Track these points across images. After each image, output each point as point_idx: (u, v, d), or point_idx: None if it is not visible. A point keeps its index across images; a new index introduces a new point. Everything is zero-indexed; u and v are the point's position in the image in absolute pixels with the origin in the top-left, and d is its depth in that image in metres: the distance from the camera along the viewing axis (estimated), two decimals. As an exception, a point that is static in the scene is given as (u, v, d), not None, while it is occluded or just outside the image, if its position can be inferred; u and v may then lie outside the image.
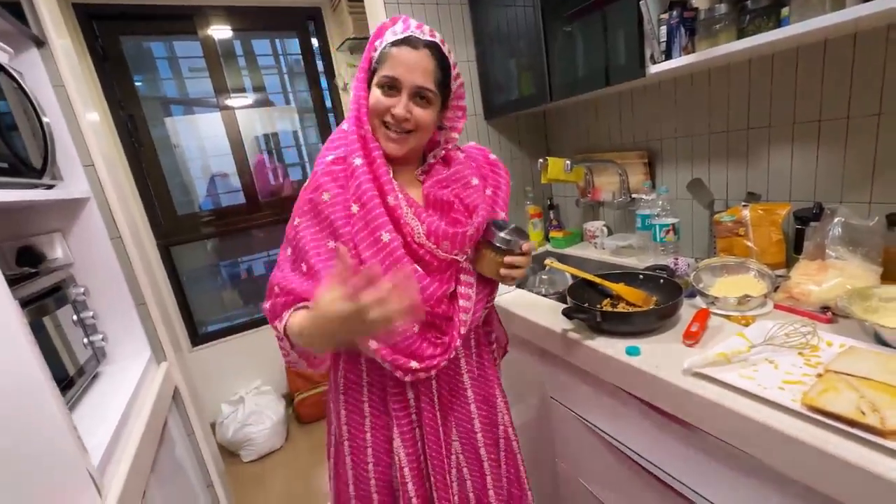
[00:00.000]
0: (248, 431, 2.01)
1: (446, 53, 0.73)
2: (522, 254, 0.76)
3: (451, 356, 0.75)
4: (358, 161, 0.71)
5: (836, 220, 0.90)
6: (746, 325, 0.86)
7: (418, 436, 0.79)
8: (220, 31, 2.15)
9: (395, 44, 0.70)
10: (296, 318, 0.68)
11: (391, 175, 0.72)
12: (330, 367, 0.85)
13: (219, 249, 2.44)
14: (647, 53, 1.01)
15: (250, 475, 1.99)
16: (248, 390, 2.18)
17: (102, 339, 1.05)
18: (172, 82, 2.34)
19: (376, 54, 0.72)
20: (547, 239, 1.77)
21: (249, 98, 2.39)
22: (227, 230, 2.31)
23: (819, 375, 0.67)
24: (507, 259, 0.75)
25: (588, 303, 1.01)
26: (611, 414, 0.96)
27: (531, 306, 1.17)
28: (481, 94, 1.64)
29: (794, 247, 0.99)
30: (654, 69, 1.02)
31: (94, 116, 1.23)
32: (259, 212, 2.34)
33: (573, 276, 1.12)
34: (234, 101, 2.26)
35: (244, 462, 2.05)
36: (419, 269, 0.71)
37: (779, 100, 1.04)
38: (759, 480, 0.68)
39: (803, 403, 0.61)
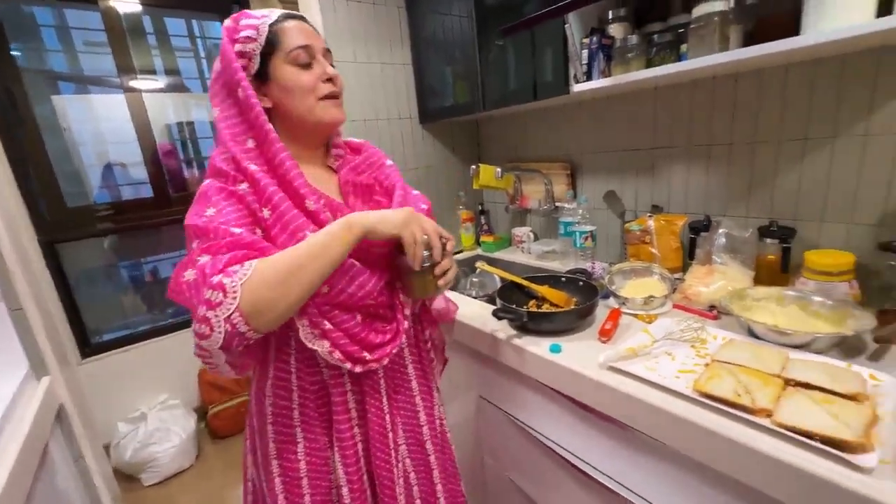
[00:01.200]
0: (152, 451, 1.80)
1: None
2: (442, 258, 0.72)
3: (402, 342, 0.74)
4: (253, 167, 0.64)
5: (720, 230, 1.04)
6: (650, 322, 0.97)
7: (361, 450, 0.74)
8: (125, 4, 1.92)
9: (282, 20, 0.68)
10: (279, 255, 0.57)
11: (304, 178, 0.66)
12: (251, 402, 0.77)
13: (118, 248, 2.16)
14: (571, 73, 1.09)
15: (153, 500, 1.78)
16: (151, 405, 1.96)
17: (-38, 352, 0.89)
18: (62, 55, 2.05)
19: (258, 44, 0.66)
20: (478, 243, 1.83)
21: (160, 81, 2.17)
22: (129, 226, 2.06)
23: (706, 365, 0.77)
24: (438, 270, 0.72)
25: (516, 304, 1.06)
26: (536, 410, 1.01)
27: (461, 308, 1.20)
28: (417, 97, 1.65)
29: (689, 253, 1.13)
30: (576, 88, 1.10)
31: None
32: (168, 206, 2.13)
33: (502, 279, 1.17)
34: (141, 83, 2.03)
35: (146, 486, 1.83)
36: (356, 263, 0.67)
37: (678, 124, 1.19)
38: (671, 465, 0.75)
39: (694, 389, 0.70)
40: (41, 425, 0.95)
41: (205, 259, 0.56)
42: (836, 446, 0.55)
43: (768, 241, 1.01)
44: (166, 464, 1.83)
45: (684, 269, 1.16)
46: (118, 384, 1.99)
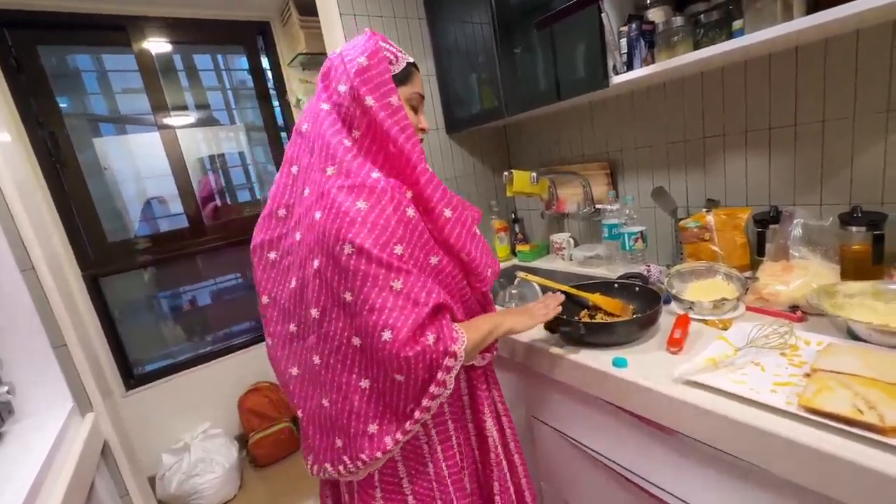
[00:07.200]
0: (196, 483, 1.78)
1: None
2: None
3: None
4: (430, 168, 0.72)
5: (795, 221, 0.93)
6: (725, 328, 0.86)
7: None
8: (157, 45, 2.00)
9: (413, 65, 0.77)
10: (477, 329, 0.72)
11: None
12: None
13: (158, 279, 2.21)
14: (610, 64, 1.02)
15: (198, 533, 1.75)
16: (194, 435, 1.95)
17: (8, 392, 0.88)
18: (101, 99, 2.14)
19: (398, 69, 0.74)
20: (514, 253, 1.75)
21: (192, 116, 2.24)
22: (167, 257, 2.10)
23: (807, 375, 0.66)
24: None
25: (566, 315, 0.98)
26: (598, 429, 0.92)
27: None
28: (442, 108, 1.61)
29: (758, 249, 1.02)
30: (616, 80, 1.03)
31: (4, 136, 1.07)
32: (204, 236, 2.16)
33: (546, 289, 1.09)
34: (174, 119, 2.10)
35: (191, 519, 1.81)
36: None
37: (731, 109, 1.09)
38: (757, 488, 0.65)
39: (800, 405, 0.60)
40: (87, 463, 0.93)
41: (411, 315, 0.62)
42: None
43: (853, 229, 0.89)
44: (211, 495, 1.80)
45: (752, 266, 1.05)
46: (162, 414, 2.00)
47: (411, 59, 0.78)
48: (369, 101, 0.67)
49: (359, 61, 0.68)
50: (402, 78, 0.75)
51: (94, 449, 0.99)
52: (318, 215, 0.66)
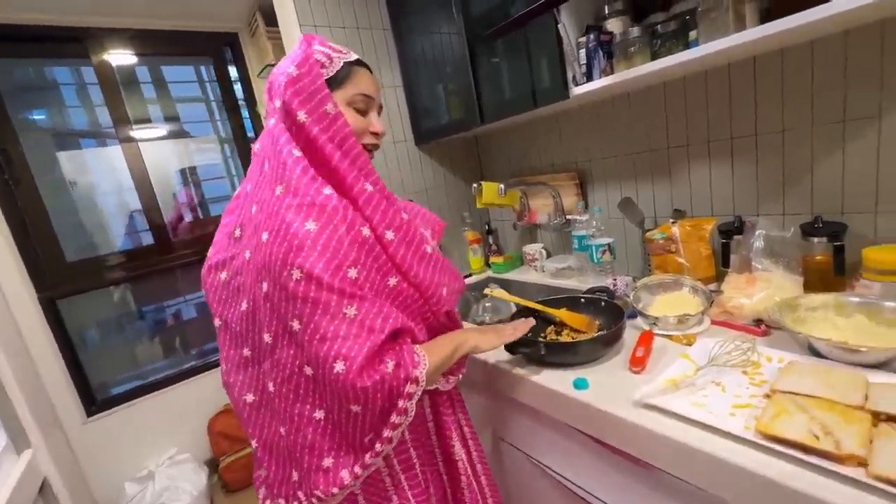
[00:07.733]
0: (160, 513, 1.70)
1: None
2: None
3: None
4: (370, 187, 0.66)
5: (757, 232, 0.92)
6: (689, 344, 0.84)
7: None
8: (119, 57, 1.94)
9: (355, 63, 0.72)
10: (440, 349, 0.69)
11: None
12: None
13: (124, 298, 2.12)
14: (570, 75, 1.01)
15: (163, 566, 1.67)
16: (159, 462, 1.86)
17: (-71, 433, 0.81)
18: (69, 113, 2.07)
19: (332, 72, 0.69)
20: (487, 265, 1.73)
21: (161, 129, 2.17)
22: (132, 276, 2.02)
23: (767, 396, 0.64)
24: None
25: (532, 332, 0.95)
26: (565, 454, 0.88)
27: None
28: (410, 119, 1.59)
29: (723, 260, 1.01)
30: (577, 91, 1.01)
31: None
32: (172, 252, 2.09)
33: (515, 304, 1.06)
34: (138, 132, 2.03)
35: (156, 551, 1.72)
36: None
37: (693, 120, 1.08)
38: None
39: (757, 431, 0.57)
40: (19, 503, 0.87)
41: (367, 342, 0.58)
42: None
43: (815, 239, 0.88)
44: (177, 525, 1.72)
45: (718, 278, 1.03)
46: (127, 440, 1.90)
47: (352, 58, 0.71)
48: (301, 116, 0.63)
49: (288, 72, 0.64)
50: (340, 80, 0.69)
51: (28, 488, 0.92)
52: (265, 236, 0.62)
